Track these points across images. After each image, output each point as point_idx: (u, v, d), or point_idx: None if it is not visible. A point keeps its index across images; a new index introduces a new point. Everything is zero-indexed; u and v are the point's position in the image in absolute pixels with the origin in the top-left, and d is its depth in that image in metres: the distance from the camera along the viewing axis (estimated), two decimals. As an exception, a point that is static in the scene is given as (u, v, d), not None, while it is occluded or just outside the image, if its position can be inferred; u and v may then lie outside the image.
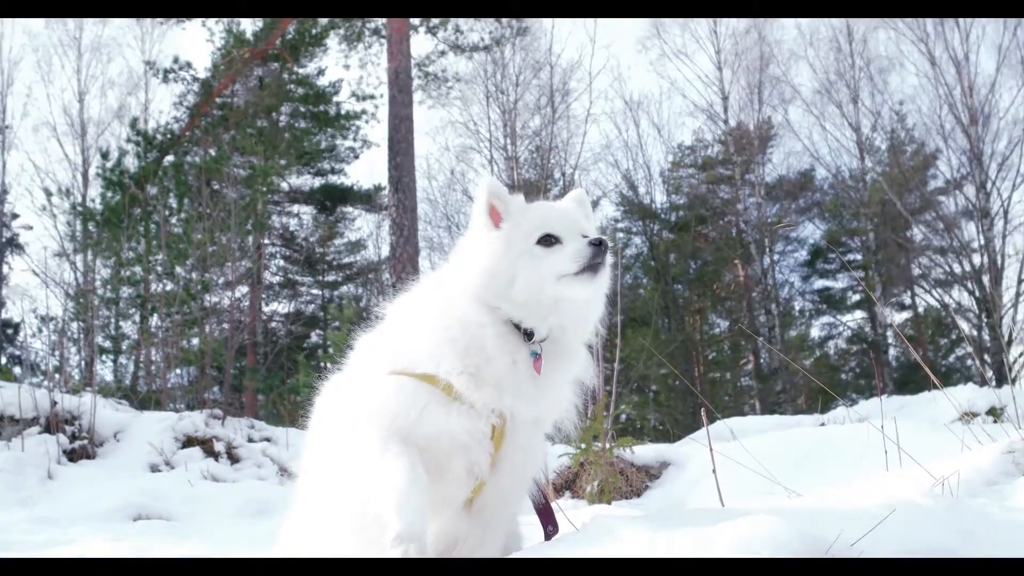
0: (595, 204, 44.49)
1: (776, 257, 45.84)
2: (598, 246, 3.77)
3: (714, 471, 4.93)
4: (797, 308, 48.18)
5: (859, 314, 47.17)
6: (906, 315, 44.74)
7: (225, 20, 34.64)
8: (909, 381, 37.60)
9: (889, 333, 42.51)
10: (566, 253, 3.81)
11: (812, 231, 47.15)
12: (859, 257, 44.31)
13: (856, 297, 46.59)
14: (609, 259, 3.89)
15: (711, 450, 5.00)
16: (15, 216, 43.25)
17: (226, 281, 25.78)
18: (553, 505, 4.40)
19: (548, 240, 3.88)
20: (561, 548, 3.45)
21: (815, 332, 48.55)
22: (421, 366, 3.87)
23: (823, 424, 13.29)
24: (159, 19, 40.20)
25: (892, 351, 42.75)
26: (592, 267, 3.77)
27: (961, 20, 35.69)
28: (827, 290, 47.77)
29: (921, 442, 5.88)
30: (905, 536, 3.14)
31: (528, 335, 3.85)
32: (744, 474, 5.81)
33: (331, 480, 4.11)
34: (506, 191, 4.10)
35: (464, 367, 3.81)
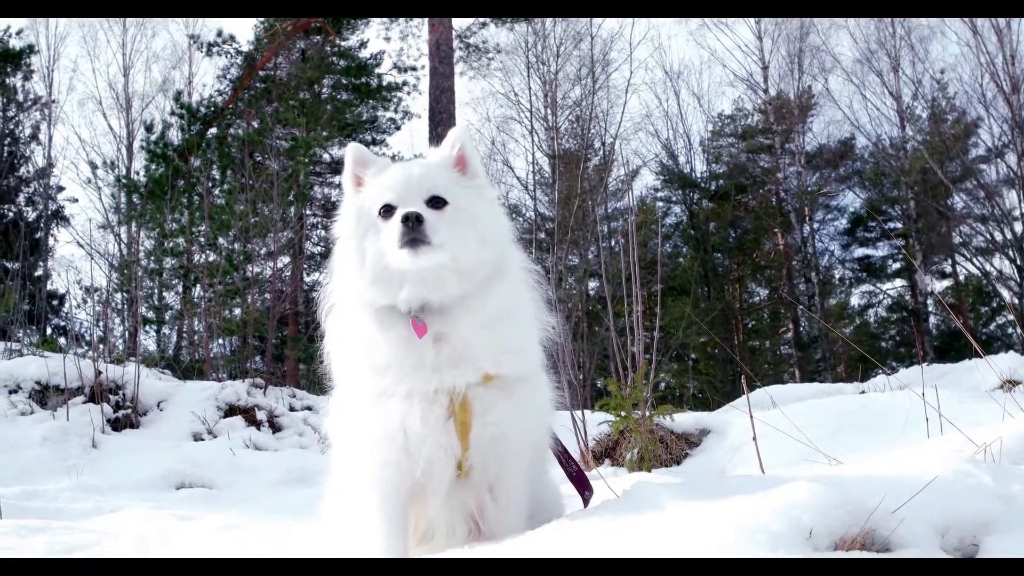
0: (635, 174, 44.45)
1: (816, 225, 45.56)
2: (405, 223, 3.59)
3: (754, 438, 4.91)
4: (837, 276, 47.84)
5: (899, 282, 46.87)
6: (947, 283, 44.50)
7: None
8: (949, 349, 37.35)
9: (930, 301, 42.15)
10: (392, 226, 3.68)
11: (852, 199, 46.85)
12: (899, 225, 43.94)
13: (896, 265, 46.28)
14: (443, 235, 3.64)
15: (751, 417, 4.98)
16: (61, 189, 43.51)
17: (268, 252, 25.84)
18: (593, 471, 4.38)
19: (386, 210, 3.79)
20: (603, 515, 3.43)
21: (855, 300, 48.28)
22: (354, 388, 3.93)
23: (863, 392, 13.17)
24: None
25: (932, 319, 42.44)
26: (410, 243, 3.60)
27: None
28: (867, 258, 47.47)
29: (963, 409, 5.86)
30: (947, 503, 3.11)
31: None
32: (784, 441, 5.79)
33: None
34: (370, 155, 4.04)
35: (372, 368, 3.80)
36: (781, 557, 2.59)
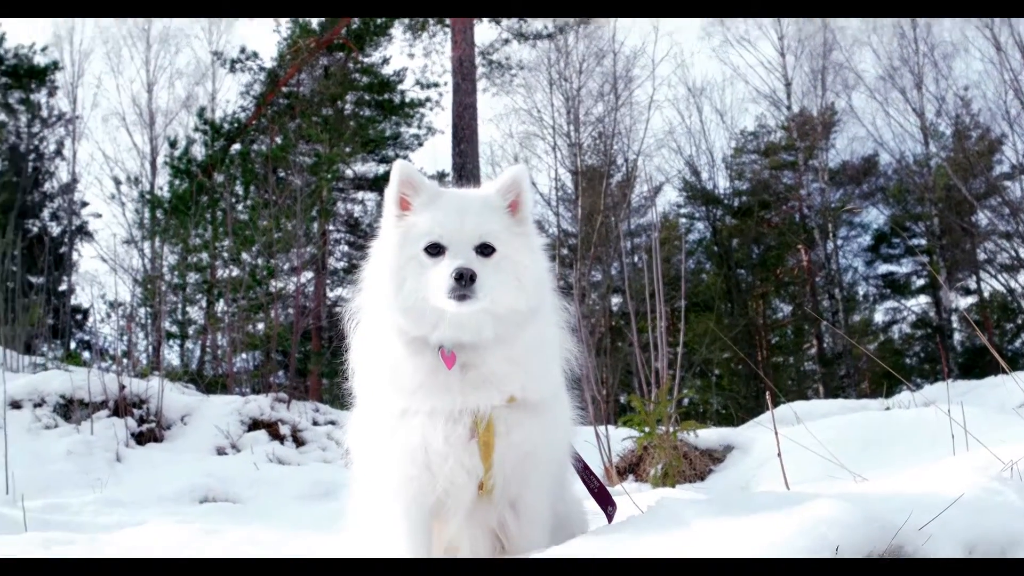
0: (658, 190, 44.39)
1: (840, 242, 45.44)
2: (459, 280, 3.51)
3: (779, 454, 4.90)
4: (861, 293, 47.67)
5: (923, 299, 46.59)
6: (971, 300, 44.23)
7: (291, 9, 34.88)
8: (974, 366, 37.15)
9: (954, 318, 42.02)
10: (439, 273, 3.61)
11: (876, 216, 46.65)
12: (924, 242, 43.78)
13: (920, 282, 46.03)
14: (488, 285, 3.60)
15: (776, 433, 4.97)
16: (85, 204, 43.76)
17: (291, 267, 25.93)
18: (617, 487, 4.37)
19: (434, 249, 3.71)
20: (628, 531, 3.43)
21: (879, 317, 48.01)
22: (377, 405, 3.94)
23: (888, 408, 13.13)
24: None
25: (957, 336, 42.27)
26: (458, 298, 3.54)
27: (1030, 4, 35.10)
28: (891, 275, 47.19)
29: (989, 426, 5.82)
30: (974, 520, 3.11)
31: None
32: (809, 458, 5.77)
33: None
34: (420, 177, 3.93)
35: (396, 387, 3.80)
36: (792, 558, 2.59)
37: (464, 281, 3.51)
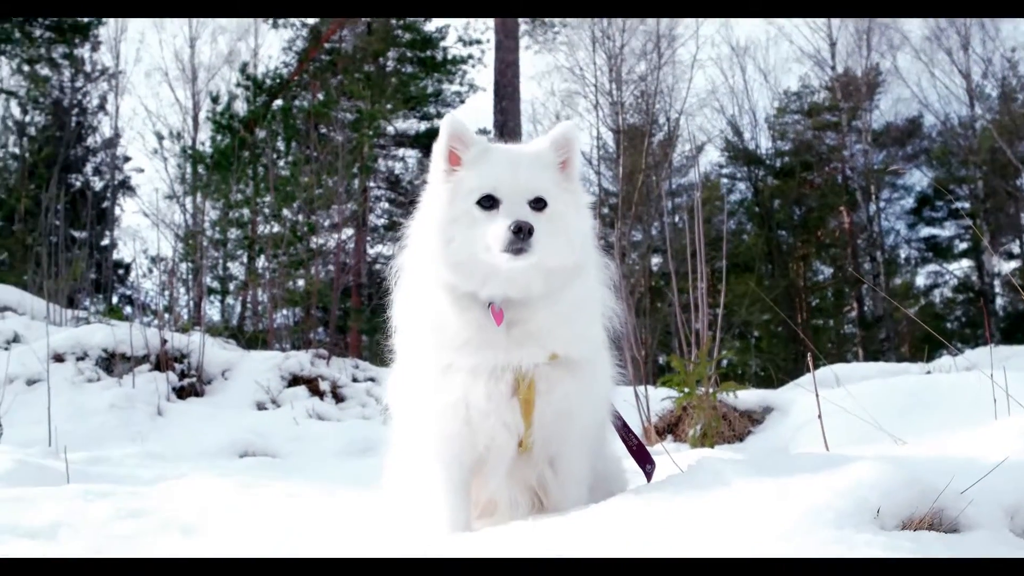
0: (700, 150, 44.23)
1: (882, 204, 45.15)
2: (517, 233, 3.50)
3: (819, 416, 4.88)
4: (902, 256, 47.30)
5: (966, 263, 46.15)
6: (1015, 264, 43.82)
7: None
8: (1017, 331, 36.96)
9: (997, 282, 41.70)
10: (495, 227, 3.58)
11: (919, 178, 46.23)
12: (967, 205, 43.40)
13: (963, 245, 45.62)
14: (549, 236, 3.61)
15: (817, 395, 4.95)
16: (127, 159, 43.92)
17: (332, 223, 25.98)
18: (657, 447, 4.36)
19: (487, 201, 3.69)
20: (668, 490, 3.42)
21: (920, 280, 47.57)
22: (419, 361, 3.92)
23: (929, 372, 13.06)
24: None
25: (1000, 300, 41.98)
26: (513, 251, 3.54)
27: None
28: (933, 238, 46.77)
29: (1032, 391, 5.76)
30: (1017, 485, 3.09)
31: None
32: (849, 420, 5.75)
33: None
34: (470, 132, 3.90)
35: (439, 343, 3.78)
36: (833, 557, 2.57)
37: (523, 235, 3.51)
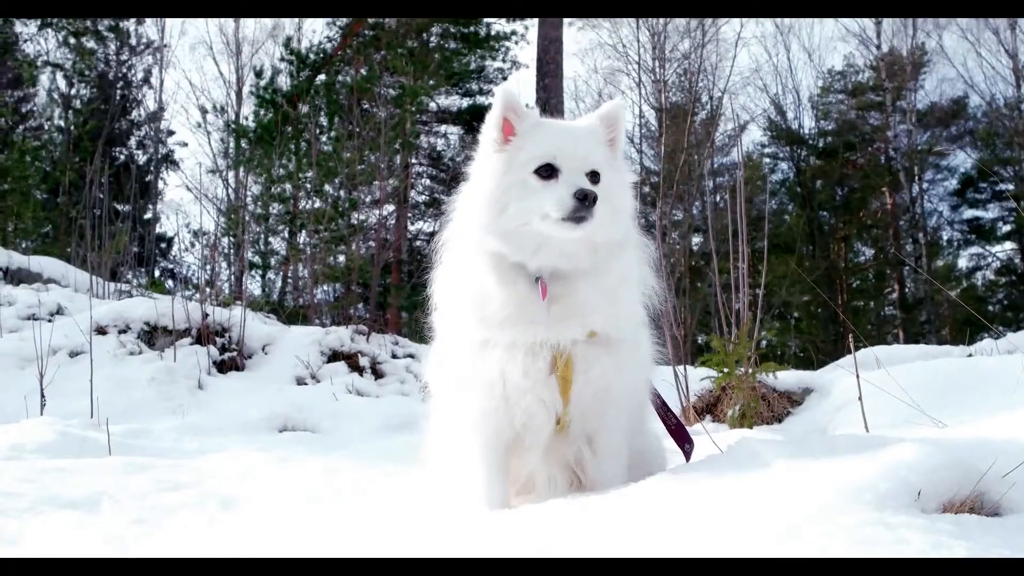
0: (743, 129, 44.04)
1: (925, 185, 44.91)
2: (582, 200, 3.52)
3: (860, 398, 4.86)
4: (945, 238, 46.97)
5: (1009, 245, 45.84)
6: (1059, 247, 43.57)
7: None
8: (1061, 315, 36.69)
9: (1041, 265, 41.40)
10: (556, 194, 3.58)
11: (963, 160, 45.94)
12: (1011, 187, 43.03)
13: (1007, 228, 45.26)
14: (602, 209, 3.61)
15: (858, 377, 4.92)
16: (171, 133, 44.32)
17: (373, 199, 26.05)
18: (696, 427, 4.35)
19: (546, 171, 3.67)
20: (708, 470, 3.42)
21: (963, 263, 47.23)
22: (459, 338, 3.93)
23: (970, 355, 12.96)
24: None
25: (1044, 283, 41.68)
26: (575, 219, 3.55)
27: None
28: (977, 220, 46.43)
29: (1076, 375, 5.72)
30: (1060, 469, 3.06)
31: None
32: (889, 402, 5.72)
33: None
34: (522, 104, 3.89)
35: (479, 318, 3.78)
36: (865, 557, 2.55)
37: (588, 202, 3.52)
